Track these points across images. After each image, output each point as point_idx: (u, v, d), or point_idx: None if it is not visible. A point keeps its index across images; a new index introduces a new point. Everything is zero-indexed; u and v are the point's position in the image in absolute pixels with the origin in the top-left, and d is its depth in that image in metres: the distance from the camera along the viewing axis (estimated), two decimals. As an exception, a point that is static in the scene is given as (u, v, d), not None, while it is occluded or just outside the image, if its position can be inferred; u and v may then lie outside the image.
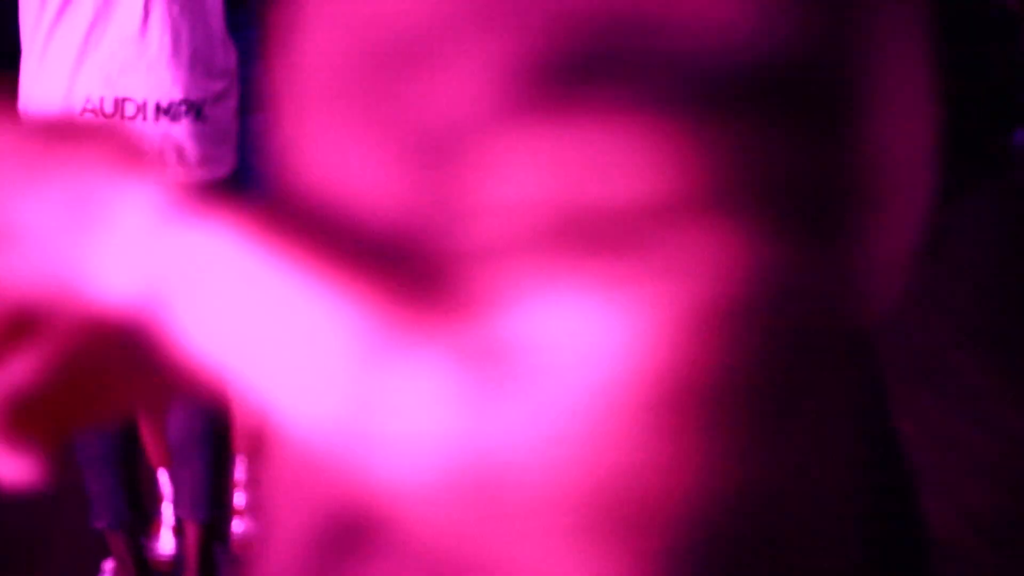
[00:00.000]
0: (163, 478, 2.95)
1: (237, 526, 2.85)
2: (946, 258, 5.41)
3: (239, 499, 2.89)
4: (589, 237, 0.55)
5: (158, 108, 2.52)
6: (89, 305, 0.61)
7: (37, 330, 0.62)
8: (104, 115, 2.51)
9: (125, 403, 0.69)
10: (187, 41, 2.54)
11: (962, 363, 4.48)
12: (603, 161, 0.55)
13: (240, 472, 2.90)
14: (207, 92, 2.58)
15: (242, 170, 3.02)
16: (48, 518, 2.94)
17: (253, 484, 0.83)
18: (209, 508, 2.72)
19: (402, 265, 0.62)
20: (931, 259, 5.21)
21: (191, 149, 2.56)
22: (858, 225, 0.59)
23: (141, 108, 2.52)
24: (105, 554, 2.85)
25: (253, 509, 0.82)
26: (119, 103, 2.51)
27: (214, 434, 2.72)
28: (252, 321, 0.59)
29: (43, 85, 2.52)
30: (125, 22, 2.50)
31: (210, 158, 2.60)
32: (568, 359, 0.55)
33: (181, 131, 2.54)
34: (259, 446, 0.78)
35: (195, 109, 2.56)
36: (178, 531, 2.85)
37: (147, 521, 2.87)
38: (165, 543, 2.98)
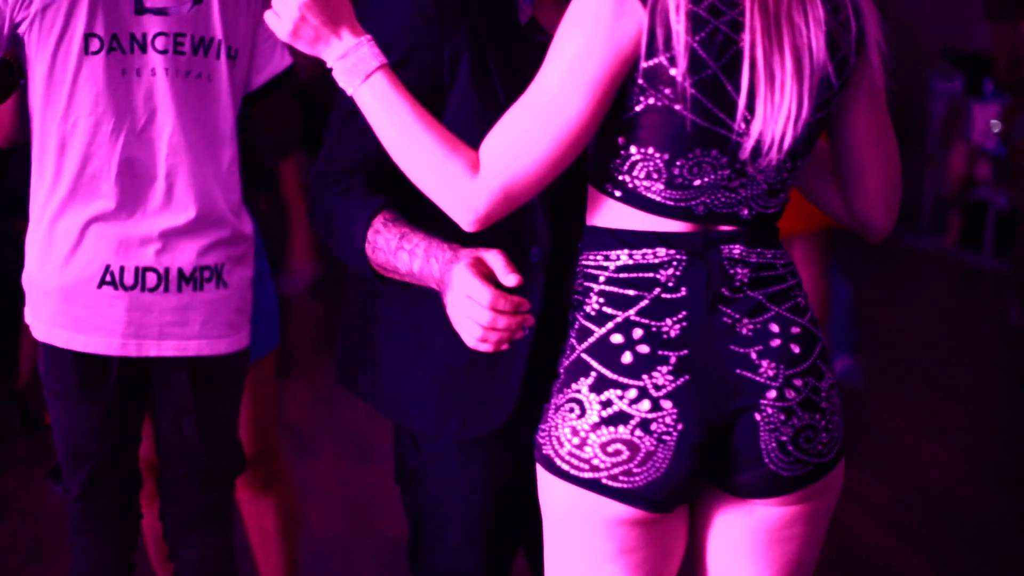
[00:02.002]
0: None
1: None
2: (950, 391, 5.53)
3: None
4: None
5: (181, 276, 2.47)
6: None
7: None
8: (124, 287, 2.43)
9: None
10: (206, 207, 2.48)
11: (973, 499, 4.48)
12: None
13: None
14: (227, 258, 2.52)
15: (260, 336, 3.02)
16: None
17: None
18: None
19: None
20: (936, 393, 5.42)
21: (214, 317, 2.51)
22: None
23: (163, 278, 2.46)
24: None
25: None
26: (139, 273, 2.45)
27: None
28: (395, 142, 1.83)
29: (57, 254, 2.44)
30: (144, 189, 2.44)
31: (233, 325, 2.55)
32: None
33: (205, 299, 2.49)
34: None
35: (216, 275, 2.50)
36: None
37: None
38: None
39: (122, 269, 2.43)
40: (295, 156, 6.42)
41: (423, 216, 1.95)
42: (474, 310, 1.78)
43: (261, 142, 2.75)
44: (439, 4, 2.00)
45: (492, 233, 1.87)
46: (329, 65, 1.85)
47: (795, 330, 1.84)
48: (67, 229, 2.43)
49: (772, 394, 1.80)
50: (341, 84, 1.84)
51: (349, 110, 2.01)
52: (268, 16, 1.85)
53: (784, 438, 1.81)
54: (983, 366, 6.21)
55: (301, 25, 1.82)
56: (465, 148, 1.79)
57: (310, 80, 6.43)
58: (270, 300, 3.10)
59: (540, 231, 2.03)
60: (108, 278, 2.43)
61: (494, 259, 1.81)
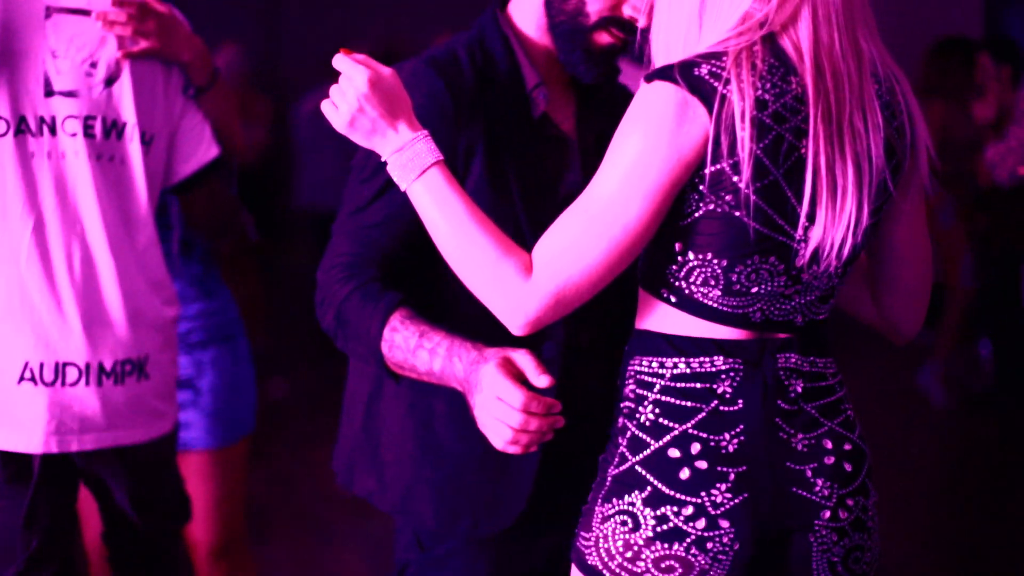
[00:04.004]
0: None
1: None
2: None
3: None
4: None
5: (101, 370, 2.37)
6: None
7: None
8: (44, 383, 2.32)
9: None
10: (126, 294, 2.39)
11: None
12: None
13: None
14: (151, 348, 2.43)
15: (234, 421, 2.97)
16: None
17: None
18: None
19: None
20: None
21: (135, 407, 2.41)
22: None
23: (83, 372, 2.35)
24: None
25: None
26: (59, 368, 2.34)
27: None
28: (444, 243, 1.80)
29: None
30: (58, 278, 2.33)
31: (155, 413, 2.45)
32: None
33: (126, 392, 2.39)
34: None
35: (138, 368, 2.41)
36: None
37: None
38: None
39: (41, 365, 2.33)
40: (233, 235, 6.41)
41: (438, 313, 1.93)
42: (505, 412, 1.74)
43: (197, 229, 2.71)
44: (454, 97, 1.99)
45: (503, 328, 1.83)
46: (384, 159, 1.82)
47: (847, 447, 1.82)
48: None
49: (827, 515, 1.79)
50: (395, 178, 1.82)
51: (358, 205, 1.99)
52: (325, 106, 1.82)
53: (835, 559, 1.80)
54: (919, 443, 6.23)
55: (359, 116, 1.80)
56: (518, 250, 1.76)
57: (256, 161, 6.45)
58: (247, 384, 3.07)
59: (554, 327, 2.00)
60: (27, 374, 2.33)
61: (524, 360, 1.78)
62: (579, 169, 2.07)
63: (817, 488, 1.78)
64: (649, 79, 1.71)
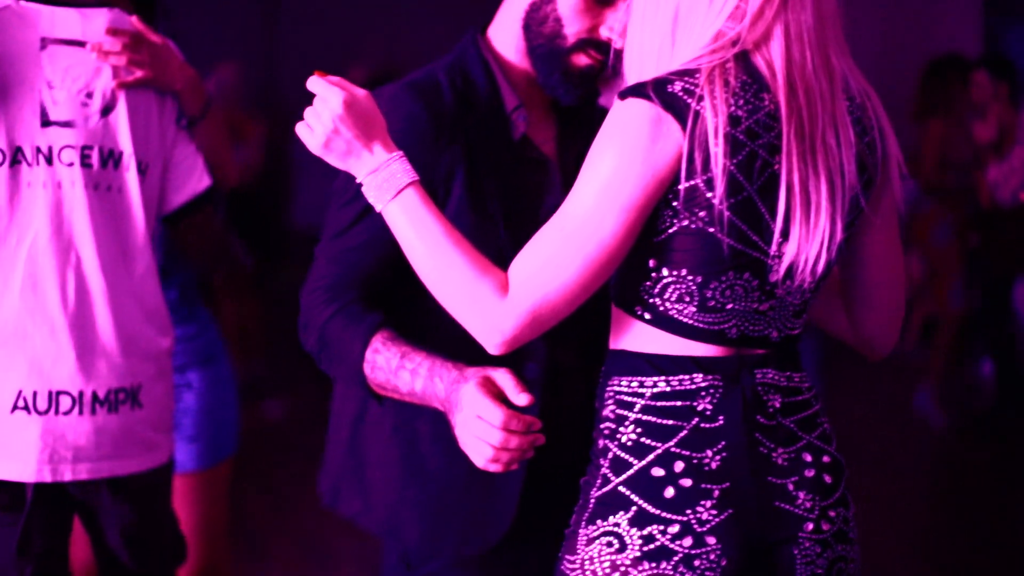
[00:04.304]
0: None
1: None
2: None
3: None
4: None
5: (95, 399, 2.36)
6: None
7: None
8: (38, 411, 2.32)
9: None
10: (120, 323, 2.39)
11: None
12: None
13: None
14: (144, 377, 2.42)
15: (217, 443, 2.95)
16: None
17: None
18: None
19: None
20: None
21: (129, 437, 2.40)
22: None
23: (77, 401, 2.34)
24: None
25: None
26: (53, 396, 2.33)
27: None
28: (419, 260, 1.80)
29: None
30: (53, 307, 2.33)
31: (148, 444, 2.44)
32: None
33: (119, 421, 2.38)
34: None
35: (131, 397, 2.40)
36: None
37: None
38: None
39: (35, 394, 2.33)
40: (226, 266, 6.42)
41: (418, 333, 1.94)
42: (485, 431, 1.75)
43: (189, 259, 2.71)
44: (433, 120, 2.01)
45: (485, 350, 1.84)
46: (359, 180, 1.83)
47: (826, 459, 1.84)
48: None
49: (810, 527, 1.80)
50: (370, 199, 1.82)
51: (340, 228, 2.01)
52: (300, 128, 1.83)
53: (819, 571, 1.80)
54: (938, 466, 6.20)
55: (334, 138, 1.80)
56: (495, 269, 1.76)
57: (252, 183, 6.44)
58: (230, 406, 3.05)
59: (536, 347, 2.01)
60: (20, 403, 2.32)
61: (503, 378, 1.78)
62: (560, 190, 2.08)
63: (799, 501, 1.79)
64: (623, 96, 1.72)
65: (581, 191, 1.72)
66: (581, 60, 2.03)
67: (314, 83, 1.82)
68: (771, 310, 1.78)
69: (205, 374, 2.98)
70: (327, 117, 1.80)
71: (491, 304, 1.74)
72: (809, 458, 1.81)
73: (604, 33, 2.01)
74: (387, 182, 1.79)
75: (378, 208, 1.81)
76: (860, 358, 1.99)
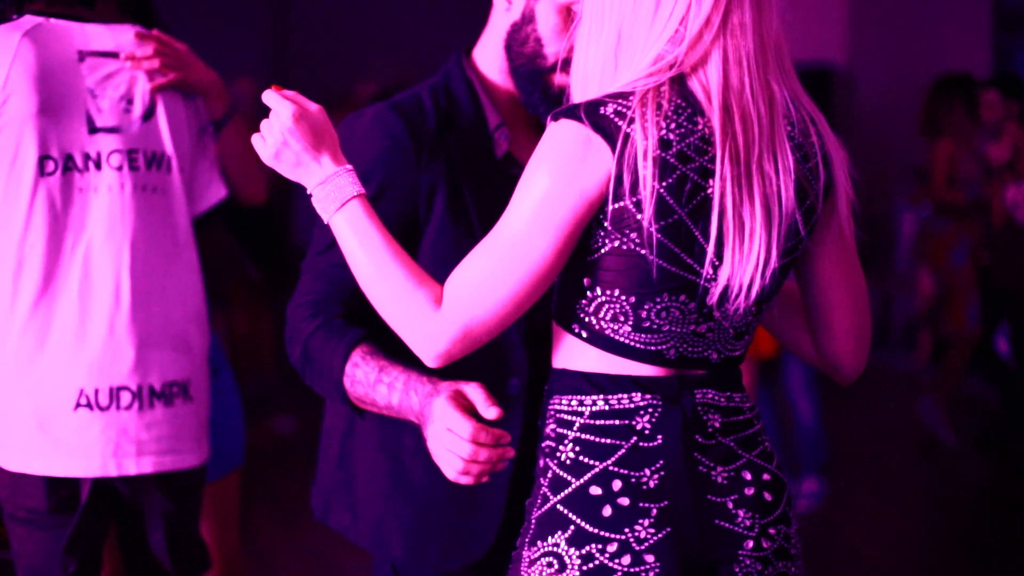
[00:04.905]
0: None
1: None
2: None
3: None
4: None
5: (152, 392, 2.46)
6: None
7: None
8: (100, 407, 2.42)
9: None
10: (170, 320, 2.50)
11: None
12: None
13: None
14: (192, 371, 2.53)
15: (222, 454, 2.97)
16: None
17: None
18: None
19: None
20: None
21: (183, 431, 2.50)
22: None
23: (136, 395, 2.45)
24: None
25: None
26: (113, 392, 2.44)
27: None
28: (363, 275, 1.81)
29: (25, 380, 2.41)
30: (107, 307, 2.44)
31: (198, 439, 2.54)
32: None
33: (174, 414, 2.49)
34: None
35: (183, 390, 2.51)
36: None
37: None
38: None
39: (96, 391, 2.42)
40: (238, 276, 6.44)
41: (400, 348, 1.95)
42: (455, 443, 1.78)
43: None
44: (416, 137, 2.05)
45: (471, 365, 1.88)
46: (309, 191, 1.87)
47: (766, 477, 1.83)
48: (31, 354, 2.41)
49: (749, 544, 1.80)
50: (318, 210, 1.86)
51: (325, 244, 2.05)
52: (254, 138, 1.88)
53: None
54: (941, 484, 6.19)
55: (283, 149, 1.84)
56: (431, 283, 1.78)
57: (269, 198, 6.45)
58: (234, 416, 3.06)
59: (519, 363, 2.05)
60: (83, 400, 2.41)
61: (474, 392, 1.81)
62: None
63: (739, 519, 1.79)
64: (555, 117, 1.74)
65: (513, 210, 1.74)
66: (562, 79, 2.06)
67: (268, 96, 1.87)
68: (709, 331, 1.79)
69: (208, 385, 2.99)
70: (277, 129, 1.84)
71: (424, 317, 1.76)
72: (749, 476, 1.81)
73: None
74: (333, 193, 1.83)
75: (325, 219, 1.85)
76: (862, 376, 1.98)
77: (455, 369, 1.87)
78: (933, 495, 6.05)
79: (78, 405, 2.41)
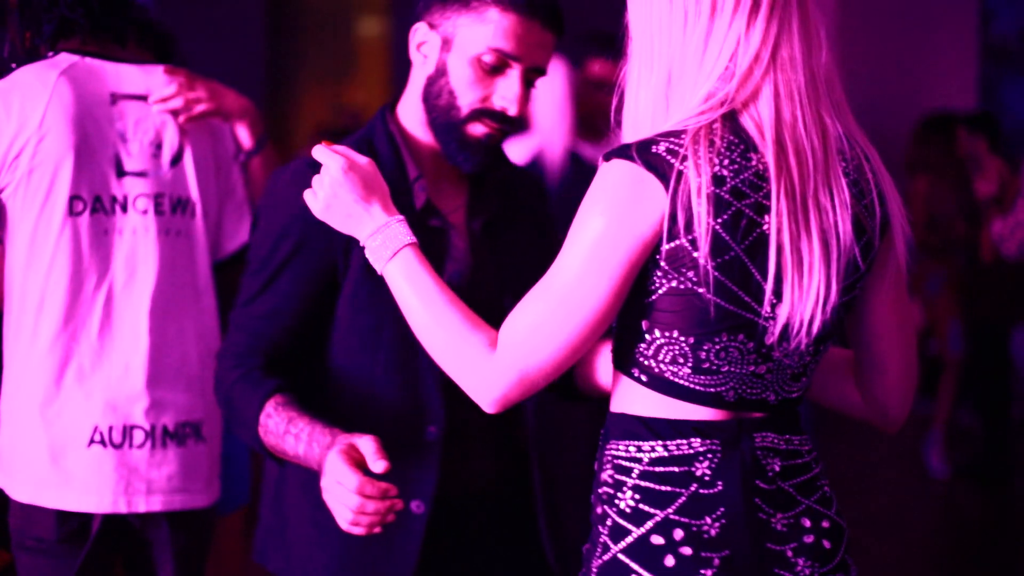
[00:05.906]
0: None
1: None
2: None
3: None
4: None
5: (166, 432, 2.50)
6: None
7: None
8: (114, 445, 2.45)
9: None
10: (188, 362, 2.53)
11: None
12: None
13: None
14: (205, 413, 2.56)
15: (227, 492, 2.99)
16: None
17: None
18: None
19: None
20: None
21: (194, 471, 2.53)
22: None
23: (149, 434, 2.48)
24: None
25: None
26: (127, 431, 2.47)
27: None
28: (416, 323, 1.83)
29: (42, 415, 2.44)
30: (126, 347, 2.47)
31: (209, 479, 2.57)
32: None
33: (186, 454, 2.52)
34: None
35: (196, 431, 2.54)
36: None
37: None
38: None
39: (110, 428, 2.45)
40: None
41: (314, 396, 2.06)
42: (343, 495, 1.84)
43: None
44: None
45: (388, 414, 1.98)
46: (361, 243, 1.89)
47: (825, 524, 1.81)
48: (48, 390, 2.44)
49: None
50: (371, 261, 1.88)
51: (249, 295, 2.12)
52: (306, 194, 1.91)
53: None
54: (928, 517, 6.21)
55: (334, 202, 1.88)
56: (486, 328, 1.78)
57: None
58: (241, 454, 3.07)
59: (435, 410, 2.12)
60: (97, 437, 2.45)
61: (366, 445, 1.86)
62: (463, 257, 2.18)
63: (799, 568, 1.77)
64: (607, 157, 1.72)
65: (568, 255, 1.72)
66: (476, 129, 2.12)
67: (318, 151, 1.90)
68: (768, 373, 1.76)
69: None
70: (327, 183, 1.88)
71: (480, 364, 1.76)
72: (808, 523, 1.79)
73: (497, 103, 2.11)
74: (385, 243, 1.86)
75: (379, 270, 1.87)
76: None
77: (374, 418, 1.96)
78: (933, 528, 6.05)
79: (92, 442, 2.44)
